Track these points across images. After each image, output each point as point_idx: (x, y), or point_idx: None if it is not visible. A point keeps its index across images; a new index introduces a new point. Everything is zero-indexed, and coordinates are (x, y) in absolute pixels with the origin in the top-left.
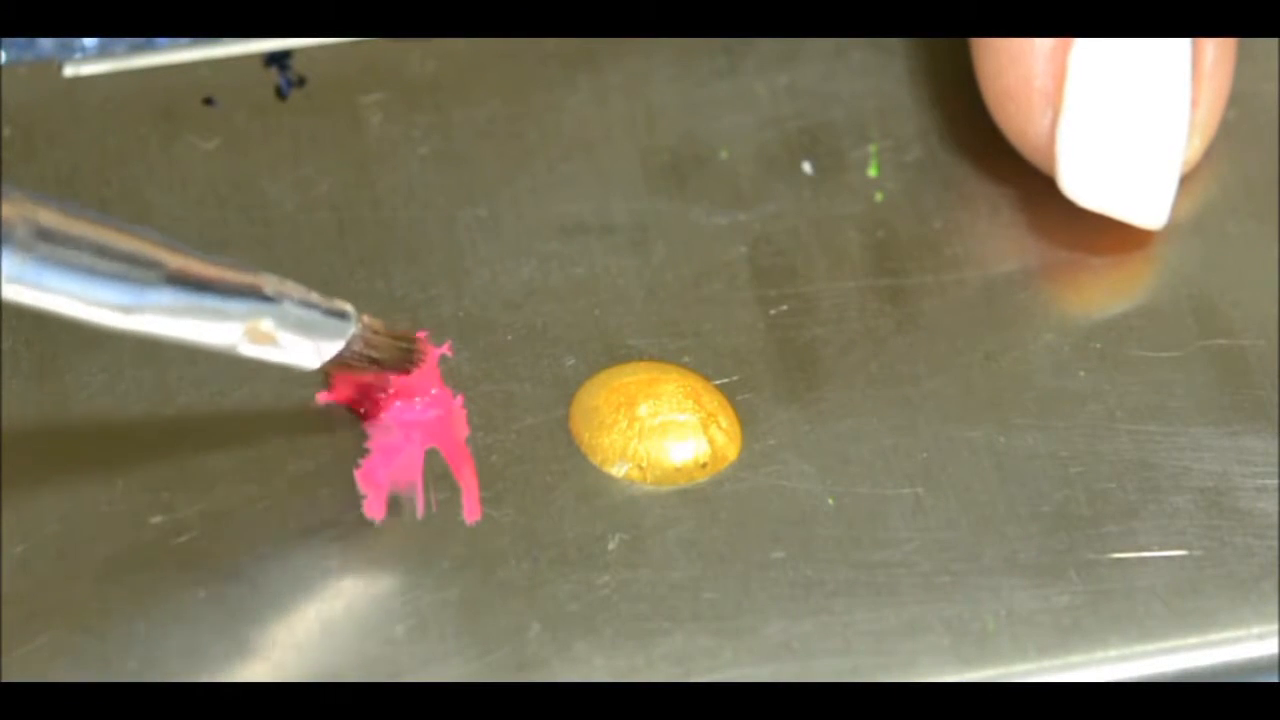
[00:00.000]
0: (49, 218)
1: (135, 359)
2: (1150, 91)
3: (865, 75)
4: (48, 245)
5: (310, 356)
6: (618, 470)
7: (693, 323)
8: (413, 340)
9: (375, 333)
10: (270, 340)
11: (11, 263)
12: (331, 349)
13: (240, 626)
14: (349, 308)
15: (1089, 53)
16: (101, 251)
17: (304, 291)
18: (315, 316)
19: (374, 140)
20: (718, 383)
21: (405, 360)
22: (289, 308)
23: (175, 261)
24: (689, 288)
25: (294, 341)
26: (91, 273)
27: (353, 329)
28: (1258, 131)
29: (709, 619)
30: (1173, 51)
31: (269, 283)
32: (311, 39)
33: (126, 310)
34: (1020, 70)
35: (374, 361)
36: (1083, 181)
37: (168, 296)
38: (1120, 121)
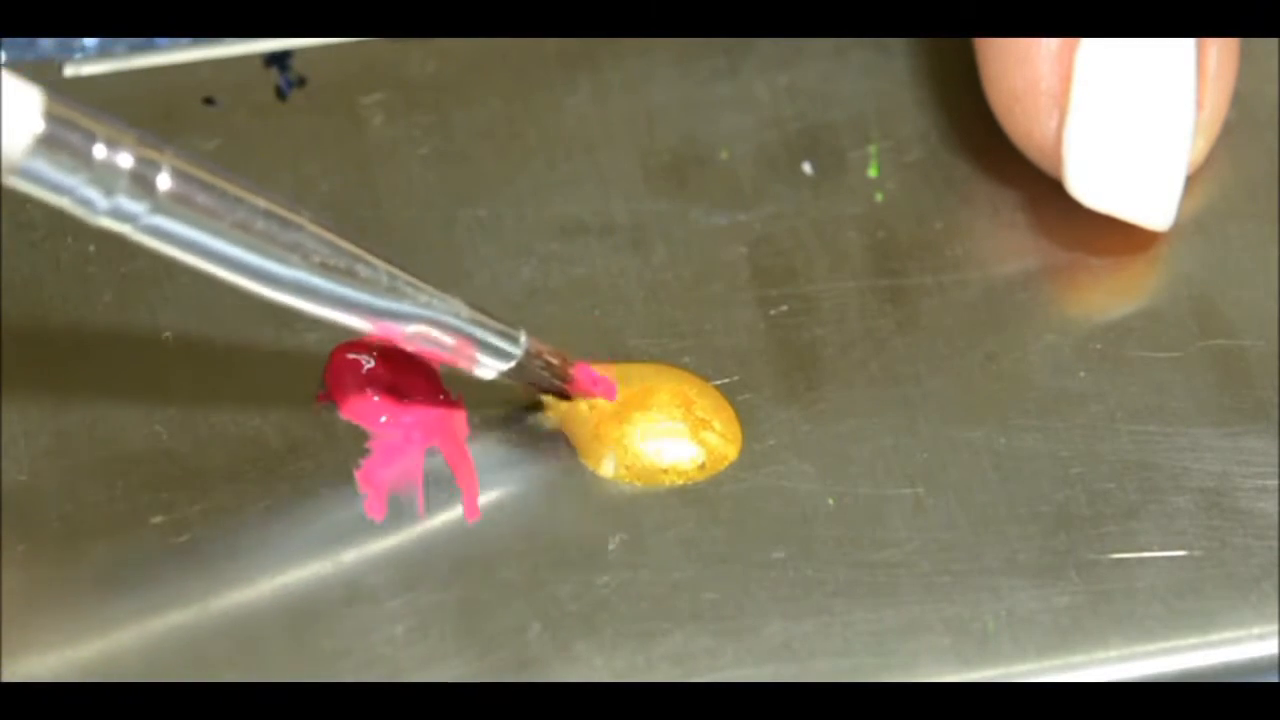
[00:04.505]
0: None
1: (135, 359)
2: (1157, 92)
3: (865, 75)
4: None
5: (475, 369)
6: (614, 473)
7: (693, 323)
8: (569, 367)
9: (539, 356)
10: (433, 343)
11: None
12: (496, 367)
13: (240, 627)
14: (519, 333)
15: (1096, 54)
16: (246, 223)
17: (470, 310)
18: (481, 335)
19: (374, 140)
20: (718, 383)
21: (561, 386)
22: (450, 321)
23: (323, 256)
24: (689, 288)
25: (455, 349)
26: (234, 239)
27: (519, 354)
28: (1258, 132)
29: (709, 619)
30: (1178, 52)
31: (433, 297)
32: (311, 39)
33: (269, 283)
34: (1027, 72)
35: (535, 384)
36: (1090, 183)
37: (319, 284)
38: (1127, 122)
